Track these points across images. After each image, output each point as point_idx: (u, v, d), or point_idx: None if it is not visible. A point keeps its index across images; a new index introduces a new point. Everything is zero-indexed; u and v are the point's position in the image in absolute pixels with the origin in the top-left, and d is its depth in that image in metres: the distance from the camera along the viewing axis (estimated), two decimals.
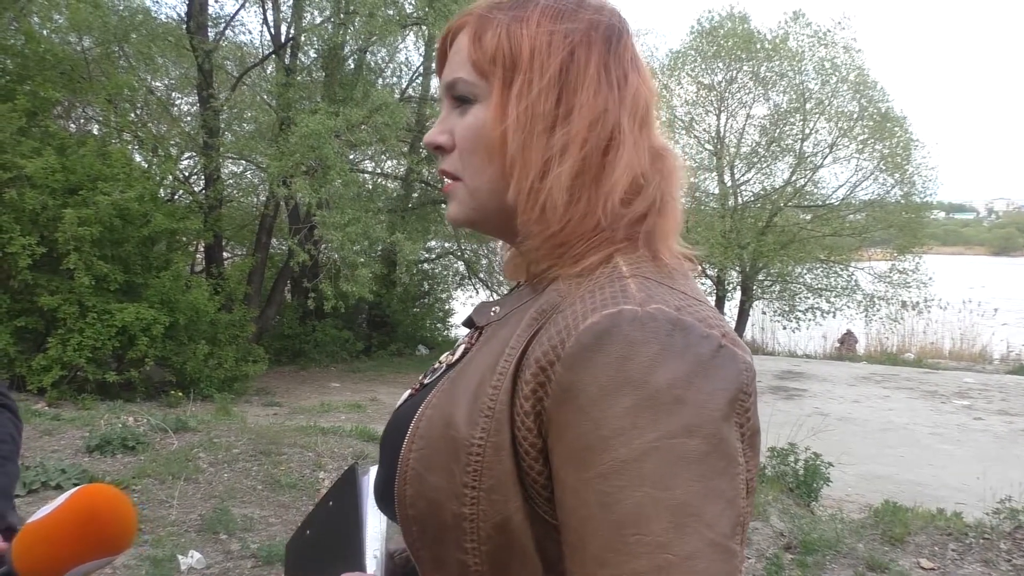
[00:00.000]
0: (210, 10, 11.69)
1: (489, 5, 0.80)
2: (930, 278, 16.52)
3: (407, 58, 14.95)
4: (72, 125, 11.08)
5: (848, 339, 16.94)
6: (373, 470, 0.87)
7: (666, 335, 0.65)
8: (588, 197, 0.74)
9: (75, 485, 4.42)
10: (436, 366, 0.87)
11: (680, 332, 0.66)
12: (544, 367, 0.68)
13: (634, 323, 0.65)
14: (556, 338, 0.68)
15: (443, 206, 15.07)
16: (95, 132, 10.84)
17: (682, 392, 0.63)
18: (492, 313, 0.83)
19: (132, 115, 11.10)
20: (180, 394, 8.74)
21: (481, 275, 16.68)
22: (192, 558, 3.62)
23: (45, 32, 9.44)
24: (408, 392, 0.88)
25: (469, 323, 0.89)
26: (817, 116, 16.59)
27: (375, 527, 0.82)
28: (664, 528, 0.61)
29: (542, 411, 0.68)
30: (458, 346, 0.86)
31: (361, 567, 0.79)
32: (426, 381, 0.85)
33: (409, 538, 0.74)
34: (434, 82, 14.77)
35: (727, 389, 0.66)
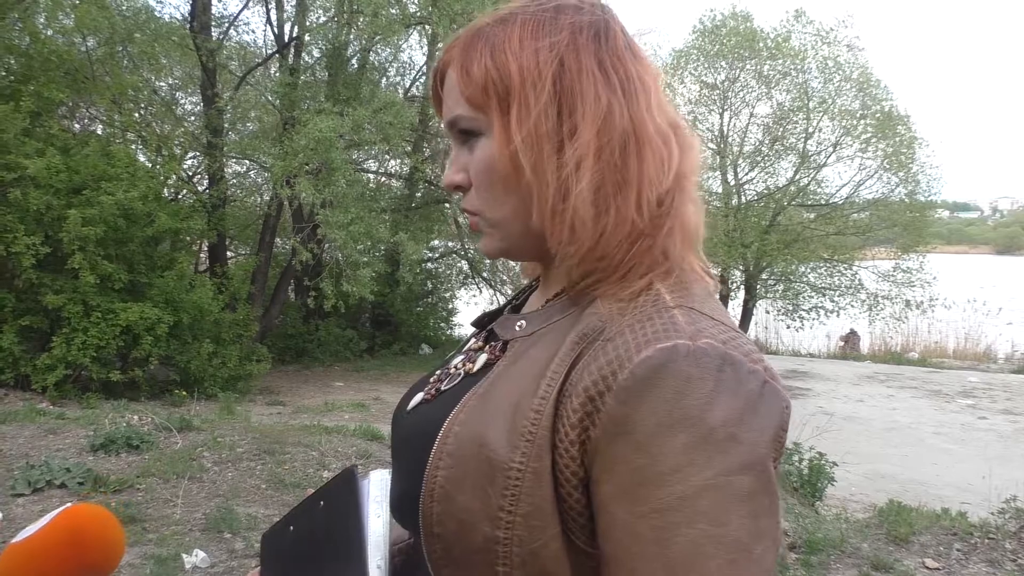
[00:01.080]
0: (213, 10, 11.71)
1: (469, 36, 0.78)
2: (934, 277, 16.49)
3: (410, 57, 14.99)
4: (76, 125, 11.09)
5: (852, 338, 16.92)
6: (374, 475, 0.85)
7: (717, 370, 0.65)
8: (617, 206, 0.72)
9: (79, 484, 4.41)
10: (452, 371, 0.85)
11: (730, 368, 0.66)
12: (593, 397, 0.67)
13: (688, 359, 0.65)
14: (607, 368, 0.67)
15: (446, 205, 15.10)
16: (99, 132, 10.86)
17: (736, 430, 0.64)
18: (518, 328, 0.80)
19: (136, 115, 11.12)
20: (184, 393, 8.75)
21: (484, 274, 16.69)
22: (196, 557, 3.62)
23: (49, 32, 9.45)
24: (421, 397, 0.85)
25: (480, 325, 0.87)
26: (820, 115, 16.57)
27: (377, 535, 0.79)
28: (719, 565, 0.61)
29: (587, 440, 0.67)
30: (475, 353, 0.84)
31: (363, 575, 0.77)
32: (443, 388, 0.83)
33: (432, 556, 0.73)
34: None
35: (772, 427, 0.67)
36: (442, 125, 0.82)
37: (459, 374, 0.83)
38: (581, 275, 0.75)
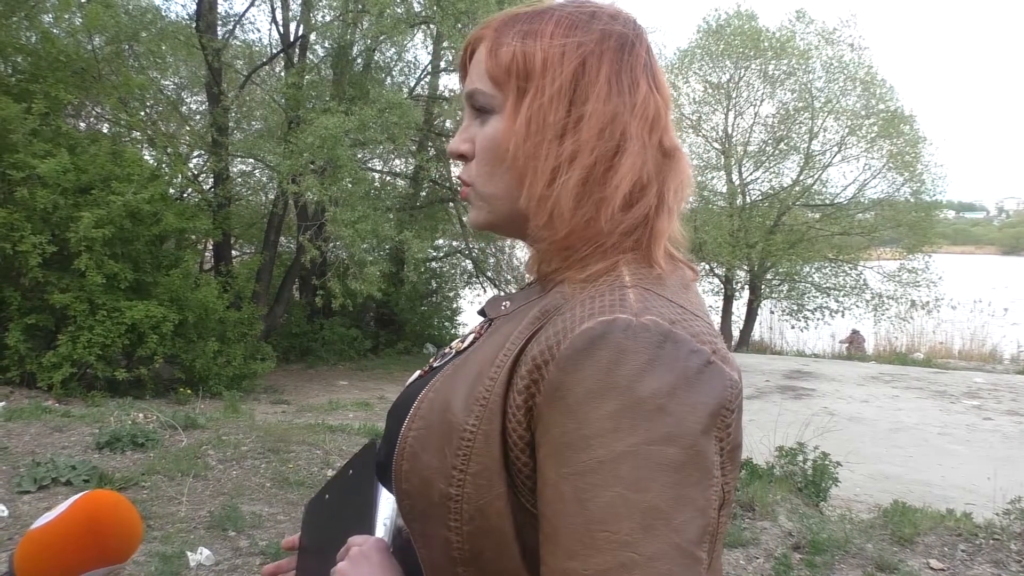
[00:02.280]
0: (219, 8, 11.73)
1: (506, 18, 0.83)
2: (940, 277, 16.45)
3: (415, 57, 14.98)
4: (82, 124, 11.13)
5: (855, 338, 16.89)
6: None
7: (656, 346, 0.68)
8: (593, 204, 0.77)
9: (85, 482, 4.43)
10: (446, 351, 0.91)
11: (671, 344, 0.69)
12: (539, 365, 0.71)
13: (627, 331, 0.68)
14: (553, 339, 0.71)
15: (451, 204, 15.11)
16: (105, 131, 10.89)
17: (665, 402, 0.66)
18: (503, 307, 0.86)
19: (142, 113, 11.15)
20: (188, 391, 8.78)
21: (489, 274, 16.69)
22: (201, 554, 3.63)
23: (57, 32, 9.49)
24: (418, 373, 0.92)
25: (483, 313, 0.92)
26: (825, 114, 16.54)
27: (388, 498, 0.86)
28: (632, 528, 0.64)
29: (533, 406, 0.71)
30: (468, 334, 0.90)
31: (371, 532, 0.85)
32: (435, 364, 0.89)
33: (403, 511, 0.79)
34: (442, 81, 14.81)
35: (709, 403, 0.69)
36: (462, 95, 0.87)
37: (451, 352, 0.89)
38: (549, 262, 0.80)
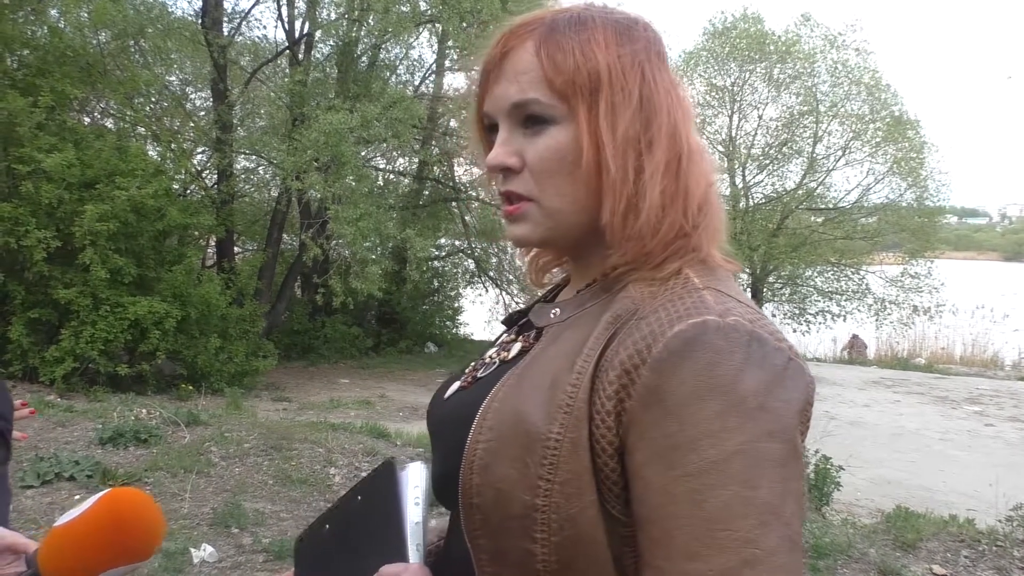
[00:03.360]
0: (225, 5, 11.74)
1: (549, 23, 0.80)
2: (942, 283, 16.43)
3: (420, 55, 14.98)
4: (87, 119, 11.13)
5: (855, 343, 16.87)
6: (412, 466, 0.88)
7: (746, 345, 0.70)
8: (673, 210, 0.78)
9: (88, 477, 4.43)
10: (487, 361, 0.89)
11: (757, 344, 0.70)
12: (628, 370, 0.71)
13: (719, 332, 0.70)
14: (641, 343, 0.71)
15: (453, 204, 15.10)
16: (110, 126, 10.90)
17: (764, 400, 0.68)
18: (552, 315, 0.85)
19: (147, 109, 11.16)
20: (190, 388, 8.78)
21: (491, 273, 16.68)
22: (204, 551, 3.64)
23: (64, 27, 9.49)
24: (458, 385, 0.89)
25: (510, 322, 0.90)
26: (830, 119, 16.53)
27: (415, 520, 0.83)
28: (752, 525, 0.65)
29: (622, 411, 0.71)
30: (509, 344, 0.88)
31: (404, 558, 0.80)
32: (479, 375, 0.87)
33: (470, 526, 0.76)
34: (447, 80, 14.81)
35: (799, 399, 0.71)
36: (493, 103, 0.82)
37: (494, 363, 0.87)
38: (617, 265, 0.80)
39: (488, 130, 0.85)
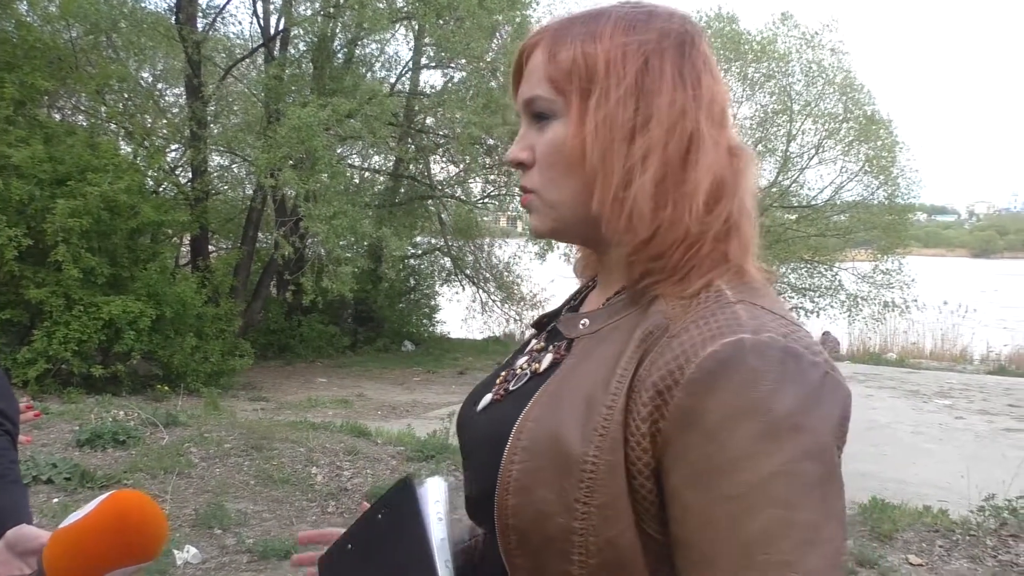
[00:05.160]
0: (200, 0, 11.62)
1: (562, 22, 0.82)
2: (912, 279, 16.69)
3: (396, 52, 14.93)
4: (57, 115, 10.96)
5: (826, 339, 17.08)
6: (431, 482, 0.87)
7: (780, 363, 0.68)
8: (674, 201, 0.76)
9: (67, 480, 4.37)
10: (518, 371, 0.87)
11: (792, 360, 0.69)
12: (662, 391, 0.70)
13: (753, 352, 0.68)
14: (674, 363, 0.70)
15: (429, 202, 15.08)
16: (82, 122, 10.74)
17: (801, 419, 0.67)
18: (582, 326, 0.84)
19: (119, 105, 11.01)
20: (166, 388, 8.69)
21: (467, 271, 16.68)
22: (188, 553, 3.61)
23: (32, 19, 9.33)
24: (490, 398, 0.88)
25: (539, 326, 0.89)
26: (803, 118, 16.71)
27: (440, 537, 0.82)
28: (791, 547, 0.65)
29: (657, 433, 0.70)
30: (540, 354, 0.87)
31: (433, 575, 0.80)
32: (512, 388, 0.86)
33: (507, 546, 0.76)
34: (423, 76, 14.77)
35: (836, 415, 0.70)
36: (517, 103, 0.85)
37: (526, 374, 0.85)
38: (640, 275, 0.78)
39: None
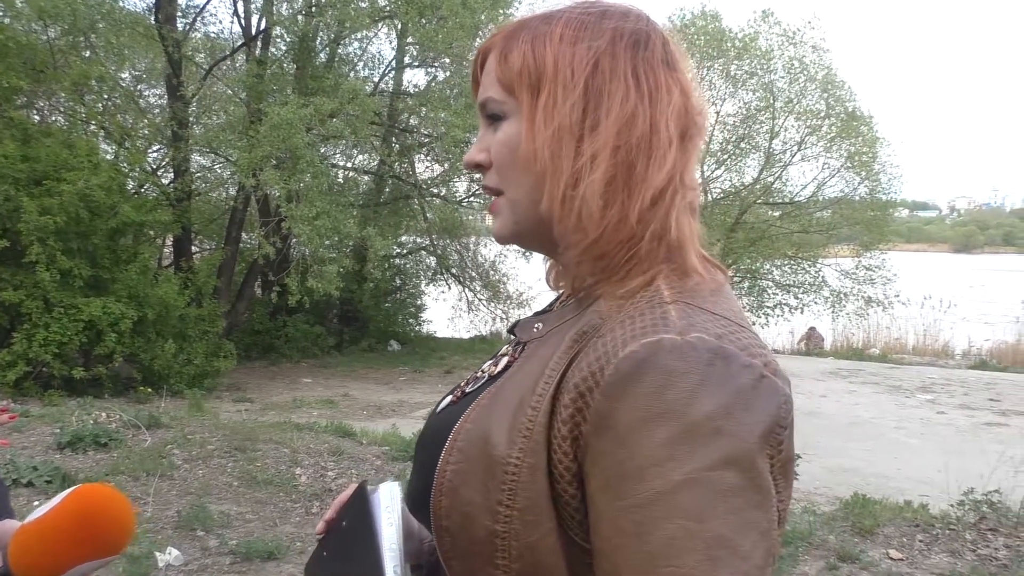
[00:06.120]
0: (179, 0, 11.53)
1: (516, 25, 0.82)
2: (895, 274, 16.84)
3: (379, 51, 14.88)
4: (36, 116, 10.85)
5: (812, 335, 17.19)
6: (383, 487, 0.88)
7: (706, 365, 0.65)
8: (621, 202, 0.74)
9: (47, 482, 4.33)
10: (479, 375, 0.88)
11: (721, 361, 0.66)
12: (583, 393, 0.68)
13: (673, 352, 0.66)
14: (595, 364, 0.68)
15: (414, 201, 15.03)
16: (61, 122, 10.63)
17: (721, 423, 0.64)
18: (535, 329, 0.83)
19: (99, 106, 10.91)
20: (149, 390, 8.63)
21: (453, 270, 16.66)
22: (170, 555, 3.59)
23: (7, 20, 9.22)
24: (448, 399, 0.89)
25: (513, 333, 0.89)
26: (786, 114, 16.82)
27: (391, 542, 0.82)
28: (698, 561, 0.61)
29: (579, 436, 0.68)
30: (501, 357, 0.87)
31: None
32: (468, 390, 0.86)
33: (442, 547, 0.75)
34: (406, 76, 14.72)
35: (764, 421, 0.66)
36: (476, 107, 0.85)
37: (484, 376, 0.86)
38: (584, 276, 0.77)
39: None
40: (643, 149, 0.75)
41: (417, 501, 0.81)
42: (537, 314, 0.91)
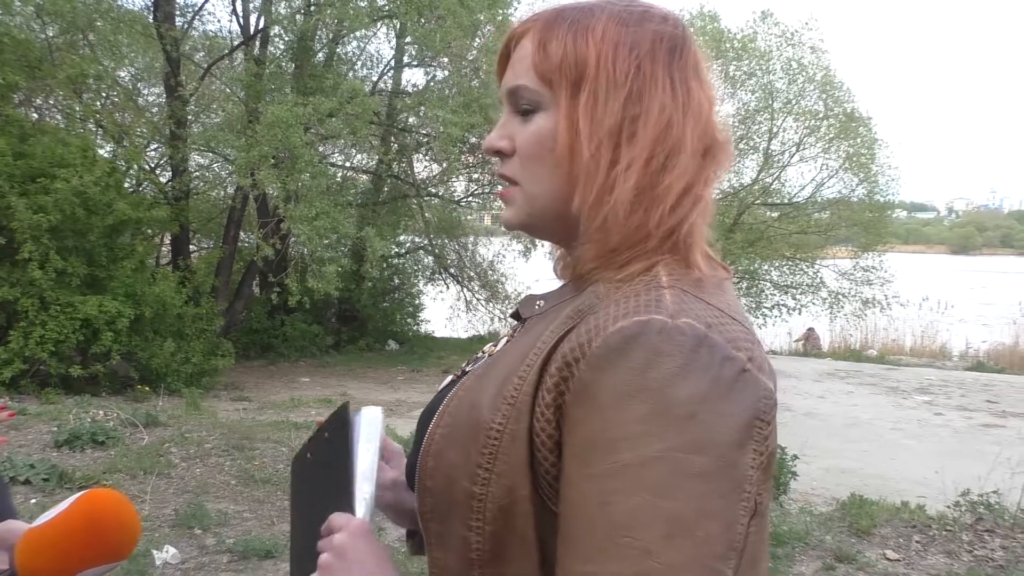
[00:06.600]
0: None
1: (554, 12, 0.80)
2: (892, 276, 16.86)
3: (378, 50, 14.87)
4: (34, 114, 10.83)
5: (811, 335, 17.21)
6: (365, 411, 0.90)
7: (690, 350, 0.66)
8: (644, 210, 0.75)
9: (44, 480, 4.33)
10: (479, 355, 0.89)
11: (705, 349, 0.67)
12: (569, 363, 0.69)
13: (661, 334, 0.67)
14: (584, 336, 0.69)
15: (413, 201, 15.03)
16: (58, 119, 10.61)
17: (696, 409, 0.64)
18: (536, 307, 0.85)
19: (97, 104, 10.89)
20: (146, 389, 8.62)
21: (451, 270, 16.66)
22: (167, 553, 3.59)
23: (3, 17, 9.20)
24: (450, 377, 0.91)
25: (516, 315, 0.90)
26: (784, 115, 16.83)
27: (365, 466, 0.83)
28: (655, 536, 0.62)
29: (562, 405, 0.69)
30: (503, 338, 0.89)
31: (351, 509, 0.80)
32: (467, 368, 0.88)
33: (423, 509, 0.77)
34: (405, 75, 14.73)
35: (741, 415, 0.67)
36: (500, 90, 0.84)
37: (484, 356, 0.88)
38: (588, 263, 0.77)
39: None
40: (671, 161, 0.76)
41: (410, 471, 0.83)
42: (543, 294, 0.91)
